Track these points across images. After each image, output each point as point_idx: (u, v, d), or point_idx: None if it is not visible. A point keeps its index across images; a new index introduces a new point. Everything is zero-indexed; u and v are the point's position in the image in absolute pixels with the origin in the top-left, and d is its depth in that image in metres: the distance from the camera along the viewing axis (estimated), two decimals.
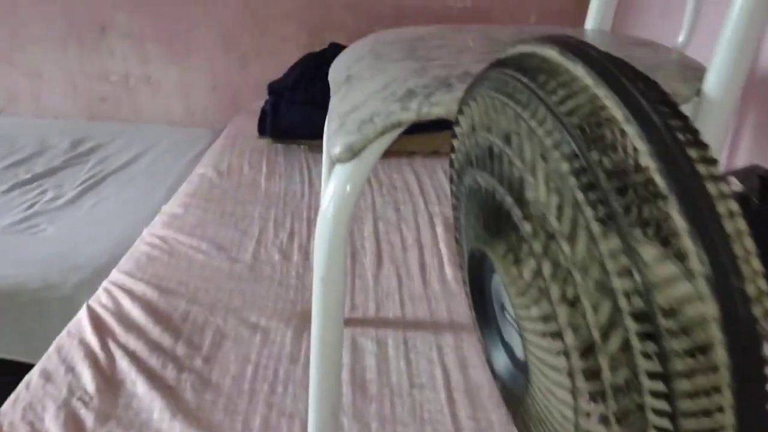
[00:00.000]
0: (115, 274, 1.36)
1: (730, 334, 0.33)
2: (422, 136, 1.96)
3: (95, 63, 2.72)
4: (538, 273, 0.42)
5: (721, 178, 0.37)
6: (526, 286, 0.45)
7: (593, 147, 0.37)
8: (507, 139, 0.45)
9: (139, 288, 1.30)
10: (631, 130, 0.37)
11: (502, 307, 0.54)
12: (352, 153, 0.66)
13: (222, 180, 1.86)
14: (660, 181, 0.35)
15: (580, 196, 0.38)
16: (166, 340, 1.15)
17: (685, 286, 0.35)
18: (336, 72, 0.91)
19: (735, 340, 0.33)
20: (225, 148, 2.11)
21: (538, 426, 0.50)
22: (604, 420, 0.39)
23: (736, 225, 0.37)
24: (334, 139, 0.68)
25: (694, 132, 0.38)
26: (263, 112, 2.09)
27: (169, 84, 2.74)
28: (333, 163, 0.70)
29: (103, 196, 2.12)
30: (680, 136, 0.38)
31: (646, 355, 0.35)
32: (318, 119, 1.15)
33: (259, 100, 2.30)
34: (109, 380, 1.04)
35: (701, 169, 0.37)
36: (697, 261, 0.34)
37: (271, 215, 1.64)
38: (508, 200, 0.45)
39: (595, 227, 0.37)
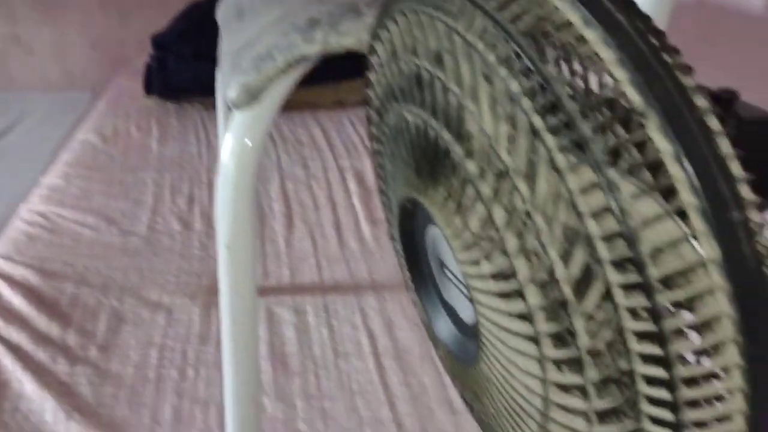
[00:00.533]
0: None
1: (734, 281, 0.28)
2: (323, 87, 1.86)
3: None
4: (488, 221, 0.36)
5: (701, 90, 0.31)
6: (473, 238, 0.38)
7: (549, 59, 0.31)
8: (438, 61, 0.37)
9: (19, 272, 1.17)
10: (594, 36, 0.30)
11: (441, 265, 0.47)
12: (250, 95, 0.57)
13: (107, 145, 1.71)
14: (635, 96, 0.28)
15: (537, 121, 0.31)
16: (54, 330, 1.03)
17: (676, 225, 0.29)
18: (225, 10, 0.81)
19: (741, 287, 0.28)
20: (108, 110, 1.95)
21: (495, 398, 0.44)
22: (581, 391, 0.33)
23: (726, 147, 0.32)
24: (227, 81, 0.59)
25: (662, 35, 0.32)
26: (148, 68, 1.93)
27: (41, 45, 2.51)
28: (229, 111, 0.61)
29: None
30: (652, 40, 0.31)
31: (634, 313, 0.29)
32: (211, 73, 1.04)
33: (143, 57, 2.13)
34: None
35: (683, 79, 0.31)
36: (689, 192, 0.28)
37: (166, 181, 1.52)
38: (445, 136, 0.38)
39: (560, 159, 0.30)
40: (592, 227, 0.29)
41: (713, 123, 0.32)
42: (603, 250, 0.29)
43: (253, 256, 0.65)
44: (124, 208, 1.41)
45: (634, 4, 0.32)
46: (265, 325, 1.05)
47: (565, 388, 0.35)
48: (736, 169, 0.32)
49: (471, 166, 0.36)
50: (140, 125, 1.83)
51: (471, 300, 0.41)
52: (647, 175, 0.34)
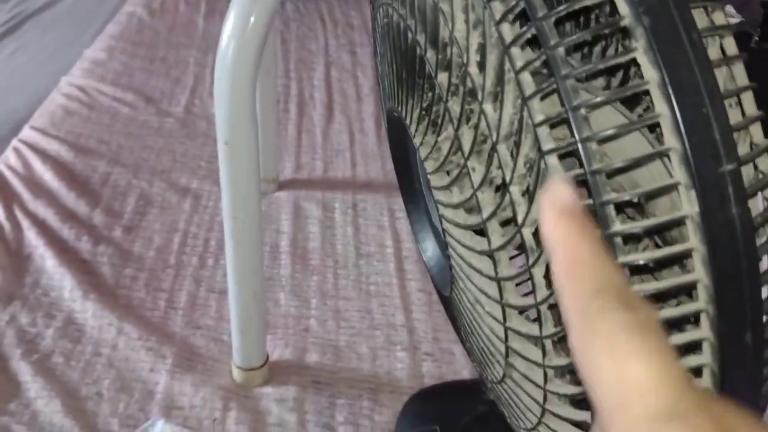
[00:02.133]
0: (26, 131, 1.23)
1: (713, 246, 0.23)
2: None
3: None
4: (456, 144, 0.32)
5: (716, 2, 0.26)
6: (444, 160, 0.34)
7: None
8: None
9: (53, 147, 1.18)
10: None
11: (429, 183, 0.43)
12: None
13: (153, 19, 1.68)
14: (623, 6, 0.23)
15: (506, 30, 0.26)
16: (81, 208, 1.04)
17: (655, 169, 0.25)
18: None
19: (720, 253, 0.24)
20: None
21: (467, 327, 0.41)
22: (539, 345, 0.30)
23: (733, 76, 0.26)
24: None
25: None
26: None
27: None
28: None
29: (23, 42, 1.93)
30: None
31: None
32: None
33: None
34: (13, 254, 0.95)
35: None
36: (671, 134, 0.23)
37: (208, 61, 1.49)
38: (421, 41, 0.33)
39: (528, 81, 0.25)
40: (555, 168, 0.25)
41: (727, 45, 0.27)
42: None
43: (255, 153, 0.63)
44: (164, 86, 1.39)
45: None
46: (290, 219, 1.04)
47: (525, 339, 0.32)
48: (748, 105, 0.27)
49: (443, 79, 0.31)
50: None
51: (439, 228, 0.38)
52: (637, 102, 0.29)
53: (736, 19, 0.40)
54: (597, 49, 0.33)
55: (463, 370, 0.82)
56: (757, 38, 0.36)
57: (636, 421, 0.17)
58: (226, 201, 0.65)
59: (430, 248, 0.46)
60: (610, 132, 0.24)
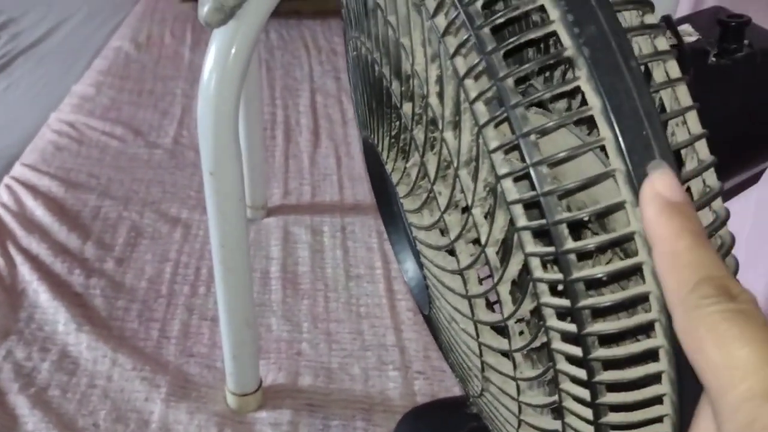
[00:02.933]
0: (17, 168, 1.24)
1: None
2: None
3: None
4: (423, 171, 0.33)
5: (657, 27, 0.27)
6: (413, 186, 0.35)
7: None
8: None
9: (44, 183, 1.19)
10: None
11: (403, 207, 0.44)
12: (224, 14, 0.54)
13: (140, 53, 1.70)
14: (566, 39, 0.25)
15: (460, 64, 0.27)
16: (73, 242, 1.05)
17: (611, 186, 0.26)
18: None
19: None
20: (144, 15, 1.93)
21: (446, 345, 0.42)
22: (510, 359, 0.31)
23: (677, 97, 0.28)
24: None
25: None
26: None
27: None
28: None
29: (14, 78, 1.95)
30: None
31: (554, 291, 0.27)
32: None
33: None
34: (8, 290, 0.96)
35: (640, 18, 0.27)
36: (616, 156, 0.25)
37: (195, 92, 1.50)
38: (386, 72, 0.35)
39: (482, 111, 0.27)
40: (510, 190, 0.26)
41: (670, 68, 0.28)
42: (520, 216, 0.26)
43: (239, 182, 0.64)
44: (152, 119, 1.41)
45: None
46: (280, 245, 1.06)
47: (497, 353, 0.33)
48: (693, 124, 0.28)
49: (407, 109, 0.33)
50: (174, 32, 1.81)
51: (416, 249, 0.39)
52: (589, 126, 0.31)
53: (694, 37, 0.41)
54: (557, 72, 0.35)
55: (454, 387, 0.83)
56: (714, 55, 0.38)
57: (741, 400, 0.18)
58: (213, 230, 0.67)
59: (411, 269, 0.48)
60: (561, 155, 0.26)
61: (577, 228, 0.31)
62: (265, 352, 0.87)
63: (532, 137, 0.25)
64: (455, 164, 0.30)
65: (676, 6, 0.55)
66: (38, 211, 1.11)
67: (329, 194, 1.19)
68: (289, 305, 0.95)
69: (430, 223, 0.34)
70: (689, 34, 0.41)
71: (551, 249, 0.26)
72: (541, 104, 0.32)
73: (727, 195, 0.29)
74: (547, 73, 0.35)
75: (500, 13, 0.26)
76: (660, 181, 0.22)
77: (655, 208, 0.21)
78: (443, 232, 0.34)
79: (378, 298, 0.95)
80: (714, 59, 0.40)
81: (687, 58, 0.39)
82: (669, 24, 0.42)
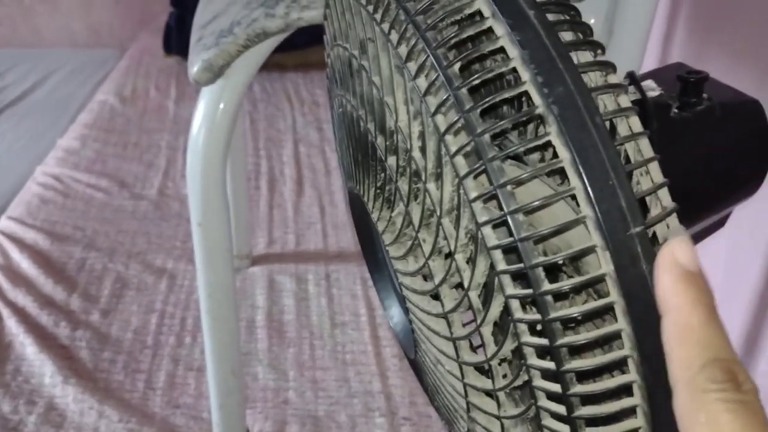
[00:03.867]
0: (3, 222, 1.25)
1: (629, 299, 0.27)
2: None
3: None
4: (407, 219, 0.35)
5: (619, 86, 0.30)
6: (398, 234, 0.37)
7: (453, 55, 0.29)
8: (363, 49, 0.36)
9: (30, 236, 1.19)
10: (501, 30, 0.29)
11: (389, 254, 0.46)
12: (213, 73, 0.56)
13: (125, 106, 1.72)
14: (536, 98, 0.27)
15: (440, 121, 0.29)
16: (59, 294, 1.06)
17: (583, 232, 0.28)
18: None
19: (635, 305, 0.27)
20: (129, 69, 1.96)
21: (433, 389, 0.43)
22: (494, 398, 0.33)
23: (640, 149, 0.30)
24: (191, 56, 0.58)
25: (584, 27, 0.30)
26: (168, 26, 1.93)
27: (67, 1, 2.52)
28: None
29: (0, 132, 1.96)
30: (569, 35, 0.30)
31: (533, 330, 0.28)
32: None
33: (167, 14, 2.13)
34: None
35: (605, 77, 0.29)
36: (585, 204, 0.27)
37: (180, 143, 1.53)
38: (372, 128, 0.37)
39: (461, 163, 0.29)
40: (490, 236, 0.28)
41: (632, 123, 0.30)
42: (500, 262, 0.28)
43: (227, 232, 0.65)
44: (137, 171, 1.42)
45: None
46: (265, 294, 1.06)
47: (481, 393, 0.34)
48: (655, 174, 0.31)
49: (392, 162, 0.35)
50: (159, 85, 1.84)
51: (402, 295, 0.41)
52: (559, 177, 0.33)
53: (657, 92, 0.44)
54: (531, 127, 0.37)
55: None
56: (676, 108, 0.40)
57: None
58: (201, 280, 0.68)
59: (396, 314, 0.49)
60: (535, 204, 0.28)
61: (553, 271, 0.33)
62: (252, 401, 0.87)
63: (509, 188, 0.27)
64: (438, 213, 0.32)
65: (641, 62, 0.58)
66: (24, 263, 1.11)
67: (313, 242, 1.20)
68: (275, 354, 0.95)
69: (415, 269, 0.36)
70: (652, 89, 0.44)
71: (529, 291, 0.28)
72: (516, 156, 0.34)
73: (695, 239, 0.31)
74: (522, 128, 0.38)
75: (476, 76, 0.28)
76: (680, 249, 0.22)
77: (673, 275, 0.21)
78: (427, 277, 0.35)
79: (363, 344, 0.96)
80: (676, 112, 0.43)
81: (650, 111, 0.41)
82: (633, 79, 0.45)
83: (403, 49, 0.31)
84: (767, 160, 0.44)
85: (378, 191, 0.39)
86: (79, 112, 1.98)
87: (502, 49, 0.28)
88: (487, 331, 0.31)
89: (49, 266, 1.12)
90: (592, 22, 0.59)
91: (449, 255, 0.33)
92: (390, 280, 0.50)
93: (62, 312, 1.02)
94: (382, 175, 0.37)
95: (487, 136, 0.28)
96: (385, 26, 0.32)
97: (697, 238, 0.42)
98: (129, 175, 1.40)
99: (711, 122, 0.43)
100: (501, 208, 0.28)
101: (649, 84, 0.46)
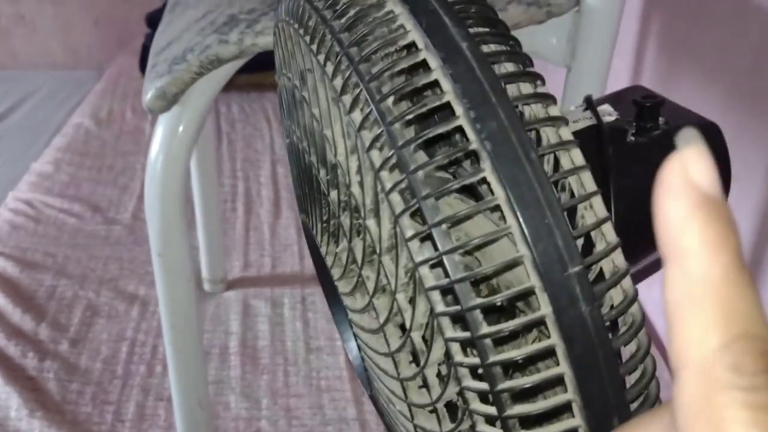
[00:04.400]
0: None
1: (569, 340, 0.26)
2: None
3: None
4: (351, 255, 0.34)
5: (559, 119, 0.29)
6: (345, 269, 0.36)
7: (382, 87, 0.28)
8: (303, 80, 0.35)
9: None
10: (434, 62, 0.28)
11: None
12: (166, 101, 0.55)
13: (101, 129, 1.70)
14: (470, 134, 0.26)
15: (375, 156, 0.28)
16: (27, 323, 1.04)
17: (523, 272, 0.27)
18: None
19: (575, 347, 0.26)
20: (105, 92, 1.94)
21: (392, 426, 0.42)
22: None
23: (583, 183, 0.29)
24: (145, 83, 0.57)
25: (523, 59, 0.29)
26: (144, 48, 1.92)
27: (44, 22, 2.51)
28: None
29: None
30: (506, 67, 0.29)
31: (475, 374, 0.27)
32: None
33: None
34: None
35: (545, 110, 0.29)
36: (522, 243, 0.26)
37: None
38: (314, 161, 0.36)
39: (397, 201, 0.28)
40: (427, 276, 0.27)
41: (574, 156, 0.29)
42: (438, 303, 0.27)
43: (188, 262, 0.64)
44: (111, 195, 1.41)
45: (492, 27, 0.30)
46: (239, 319, 1.05)
47: None
48: (598, 208, 0.30)
49: (334, 197, 0.34)
50: (135, 107, 1.83)
51: (352, 331, 0.39)
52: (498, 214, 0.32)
53: (613, 117, 0.44)
54: (469, 161, 0.36)
55: None
56: (632, 133, 0.40)
57: None
58: (164, 310, 0.66)
59: (354, 348, 0.48)
60: (474, 242, 0.26)
61: (511, 307, 0.32)
62: None
63: (443, 226, 0.26)
64: (378, 250, 0.30)
65: (605, 83, 0.57)
66: None
67: (290, 265, 1.19)
68: (248, 381, 0.93)
69: (361, 307, 0.35)
70: (609, 113, 0.43)
71: (467, 334, 0.27)
72: (467, 187, 0.33)
73: (637, 277, 0.30)
74: (473, 157, 0.37)
75: (407, 110, 0.27)
76: (696, 164, 0.14)
77: (686, 202, 0.14)
78: (371, 314, 0.34)
79: (338, 370, 0.95)
80: (632, 138, 0.42)
81: (606, 137, 0.40)
82: (590, 104, 0.44)
83: (339, 82, 0.30)
84: (727, 185, 0.43)
85: (324, 225, 0.38)
86: (54, 135, 1.96)
87: (437, 83, 0.27)
88: (431, 372, 0.30)
89: (18, 295, 1.10)
90: (554, 42, 0.58)
91: (392, 293, 0.32)
92: (346, 313, 0.49)
93: (30, 342, 1.00)
94: (327, 209, 0.36)
95: (421, 173, 0.27)
96: (321, 57, 0.31)
97: (639, 276, 0.41)
98: (103, 199, 1.39)
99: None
100: (437, 248, 0.27)
101: (605, 109, 0.45)
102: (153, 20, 1.93)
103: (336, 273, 0.37)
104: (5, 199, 1.40)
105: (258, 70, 1.72)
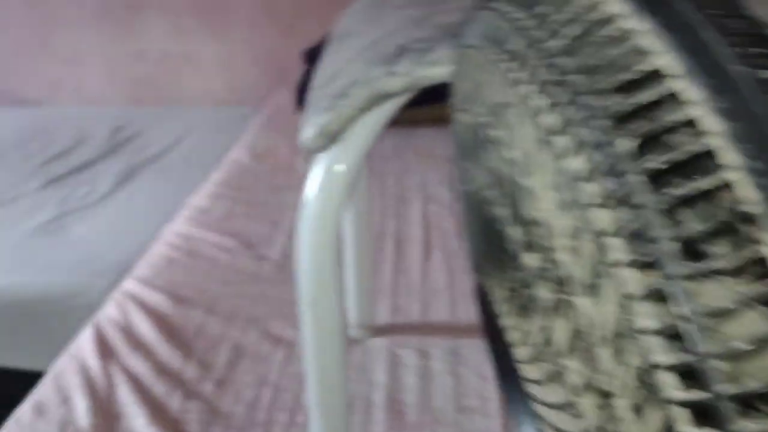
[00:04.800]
0: (129, 283, 1.27)
1: None
2: None
3: (131, 43, 2.66)
4: (549, 337, 0.27)
5: None
6: (535, 352, 0.29)
7: (623, 130, 0.22)
8: (497, 116, 0.29)
9: (153, 298, 1.20)
10: (698, 96, 0.21)
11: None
12: (326, 138, 0.51)
13: (256, 164, 1.74)
14: (751, 193, 0.19)
15: (604, 219, 0.22)
16: (175, 361, 1.04)
17: None
18: (337, 28, 0.76)
19: None
20: (263, 127, 2.00)
21: None
22: None
23: None
24: (304, 119, 0.54)
25: None
26: (302, 83, 1.96)
27: (208, 60, 2.65)
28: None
29: (138, 189, 2.05)
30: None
31: None
32: None
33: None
34: (106, 413, 0.95)
35: None
36: None
37: None
38: (505, 214, 0.30)
39: (631, 278, 0.21)
40: (669, 388, 0.20)
41: None
42: (682, 423, 0.20)
43: (338, 314, 0.60)
44: (262, 231, 1.42)
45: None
46: (386, 369, 1.00)
47: None
48: None
49: (529, 261, 0.27)
50: (291, 142, 1.86)
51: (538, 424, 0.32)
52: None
53: None
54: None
55: None
56: None
57: None
58: (309, 363, 0.62)
59: None
60: (743, 347, 0.19)
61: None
62: None
63: (704, 320, 0.19)
64: (591, 339, 0.24)
65: None
66: (143, 326, 1.12)
67: (441, 312, 1.13)
68: None
69: (557, 402, 0.28)
70: None
71: None
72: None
73: None
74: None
75: (655, 158, 0.20)
76: None
77: None
78: (575, 415, 0.27)
79: None
80: None
81: None
82: None
83: (552, 119, 0.24)
84: None
85: (510, 293, 0.31)
86: (212, 169, 2.04)
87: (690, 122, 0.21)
88: None
89: (169, 330, 1.11)
90: None
91: (609, 395, 0.25)
92: (524, 395, 0.41)
93: (176, 381, 1.00)
94: (516, 274, 0.30)
95: (672, 243, 0.20)
96: (530, 88, 0.25)
97: None
98: (255, 235, 1.40)
99: None
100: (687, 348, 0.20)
101: None
102: (310, 56, 1.98)
103: (522, 354, 0.31)
104: (163, 233, 1.45)
105: (410, 106, 1.70)
